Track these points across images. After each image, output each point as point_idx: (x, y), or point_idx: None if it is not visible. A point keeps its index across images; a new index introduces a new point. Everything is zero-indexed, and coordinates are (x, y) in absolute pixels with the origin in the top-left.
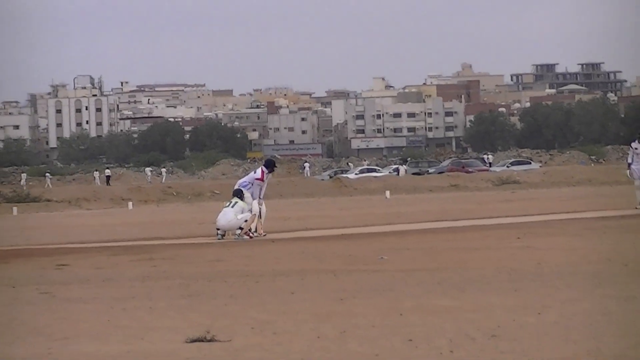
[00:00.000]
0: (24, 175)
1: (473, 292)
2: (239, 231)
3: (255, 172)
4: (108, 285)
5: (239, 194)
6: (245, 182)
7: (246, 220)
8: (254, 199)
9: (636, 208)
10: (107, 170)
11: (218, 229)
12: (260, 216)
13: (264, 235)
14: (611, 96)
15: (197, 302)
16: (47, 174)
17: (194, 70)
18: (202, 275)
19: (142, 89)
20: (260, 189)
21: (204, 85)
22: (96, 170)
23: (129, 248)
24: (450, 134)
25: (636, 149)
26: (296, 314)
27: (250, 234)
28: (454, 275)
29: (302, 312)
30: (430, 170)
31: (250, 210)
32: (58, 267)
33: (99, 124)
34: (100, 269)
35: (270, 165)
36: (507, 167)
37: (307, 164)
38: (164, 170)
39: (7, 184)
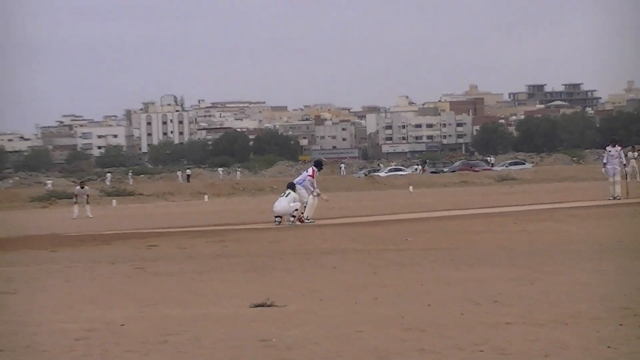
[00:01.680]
0: (108, 175)
1: (479, 266)
2: (292, 218)
3: (307, 171)
4: (189, 261)
5: (291, 186)
6: (300, 180)
7: (297, 209)
8: (309, 194)
9: (609, 199)
10: (187, 170)
11: (276, 217)
12: (309, 204)
13: (312, 221)
14: (589, 110)
15: (260, 275)
16: (130, 173)
17: (256, 90)
18: (263, 253)
19: (215, 105)
20: (312, 184)
21: (264, 102)
22: (179, 170)
23: (205, 232)
24: (461, 140)
25: (609, 151)
26: (338, 284)
27: (303, 219)
28: (464, 253)
29: (342, 283)
30: (445, 170)
31: (302, 201)
32: (149, 247)
33: (181, 133)
34: (183, 249)
35: (319, 164)
36: (506, 166)
37: (342, 165)
38: (238, 172)
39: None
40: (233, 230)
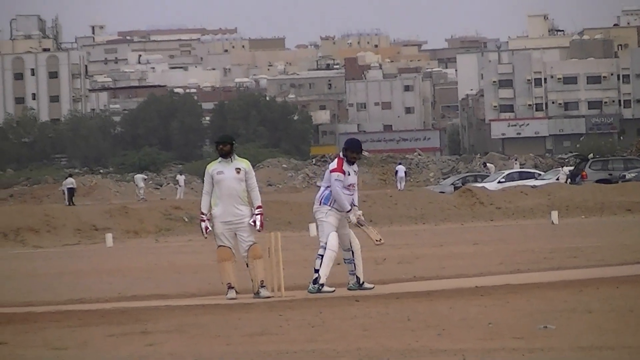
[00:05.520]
0: None
1: None
2: (316, 277)
3: (329, 168)
4: None
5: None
6: (322, 193)
7: (321, 257)
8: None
9: None
10: (68, 179)
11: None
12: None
13: (333, 289)
14: None
15: None
16: None
17: (217, 9)
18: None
19: (127, 37)
20: (341, 190)
21: (234, 31)
22: (70, 176)
23: (108, 313)
24: None
25: None
26: None
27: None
28: None
29: None
30: (629, 175)
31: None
32: None
33: (54, 99)
34: (59, 350)
35: (351, 146)
36: None
37: (400, 167)
38: (180, 180)
39: None
40: (168, 309)
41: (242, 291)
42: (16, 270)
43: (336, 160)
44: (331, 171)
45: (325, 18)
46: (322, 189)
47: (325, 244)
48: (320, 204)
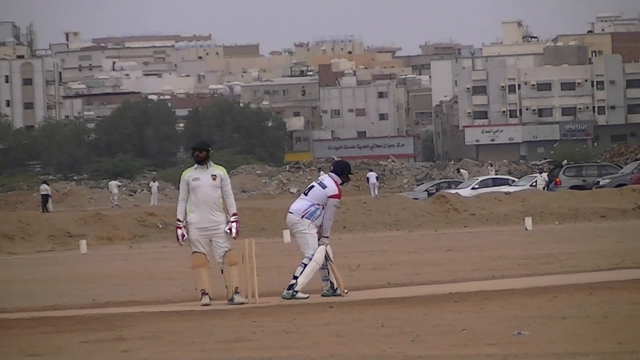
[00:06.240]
0: None
1: None
2: (292, 281)
3: (322, 183)
4: None
5: (338, 169)
6: (309, 205)
7: (304, 266)
8: (320, 238)
9: None
10: (43, 186)
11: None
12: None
13: (307, 296)
14: None
15: None
16: None
17: (191, 16)
18: None
19: (101, 44)
20: (331, 218)
21: (208, 38)
22: (44, 183)
23: (82, 320)
24: (637, 118)
25: None
26: None
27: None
28: None
29: None
30: (602, 182)
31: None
32: None
33: (28, 106)
34: (33, 357)
35: (344, 170)
36: None
37: (371, 173)
38: (154, 184)
39: None
40: (143, 315)
41: (216, 297)
42: None
43: (334, 184)
44: (332, 197)
45: (299, 25)
46: (307, 204)
47: (312, 255)
48: (302, 218)
